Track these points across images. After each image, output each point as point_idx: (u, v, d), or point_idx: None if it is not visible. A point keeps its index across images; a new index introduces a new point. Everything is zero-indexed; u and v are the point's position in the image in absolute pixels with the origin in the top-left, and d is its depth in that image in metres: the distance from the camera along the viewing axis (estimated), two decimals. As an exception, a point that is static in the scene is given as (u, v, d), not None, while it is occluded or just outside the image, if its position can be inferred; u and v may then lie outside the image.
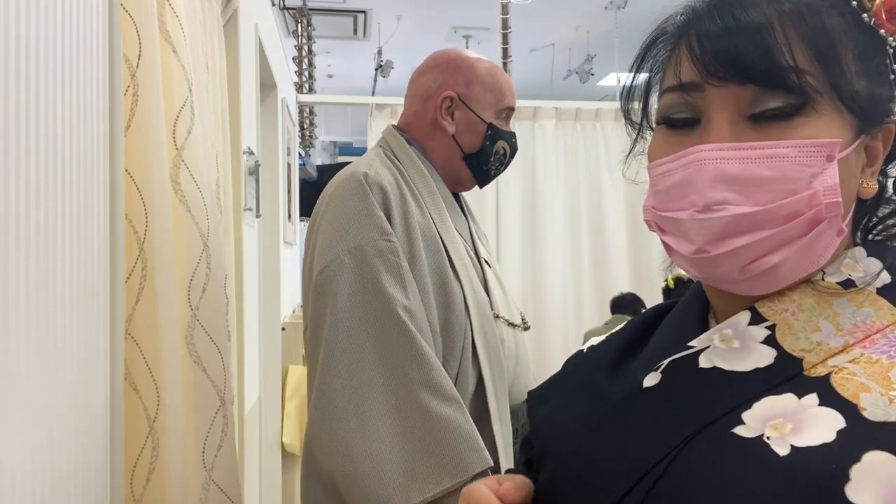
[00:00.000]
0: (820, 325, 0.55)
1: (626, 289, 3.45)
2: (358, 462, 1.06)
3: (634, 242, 3.54)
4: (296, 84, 4.06)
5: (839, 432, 0.48)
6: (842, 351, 0.54)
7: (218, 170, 1.29)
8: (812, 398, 0.51)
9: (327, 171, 4.73)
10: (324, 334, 1.12)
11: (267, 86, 2.71)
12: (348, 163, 1.38)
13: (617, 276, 3.52)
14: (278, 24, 4.19)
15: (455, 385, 1.16)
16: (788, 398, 0.52)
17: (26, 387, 0.65)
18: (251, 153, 2.07)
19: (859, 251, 0.59)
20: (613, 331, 0.75)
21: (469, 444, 1.07)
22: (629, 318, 0.78)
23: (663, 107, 0.61)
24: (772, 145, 0.53)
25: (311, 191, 4.25)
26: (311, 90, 4.28)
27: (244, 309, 1.91)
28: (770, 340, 0.56)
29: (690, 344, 0.59)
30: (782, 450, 0.49)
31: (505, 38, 3.53)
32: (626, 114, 0.69)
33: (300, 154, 4.02)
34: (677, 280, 2.85)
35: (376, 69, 5.95)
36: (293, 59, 4.09)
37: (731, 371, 0.55)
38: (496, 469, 1.15)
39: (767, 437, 0.50)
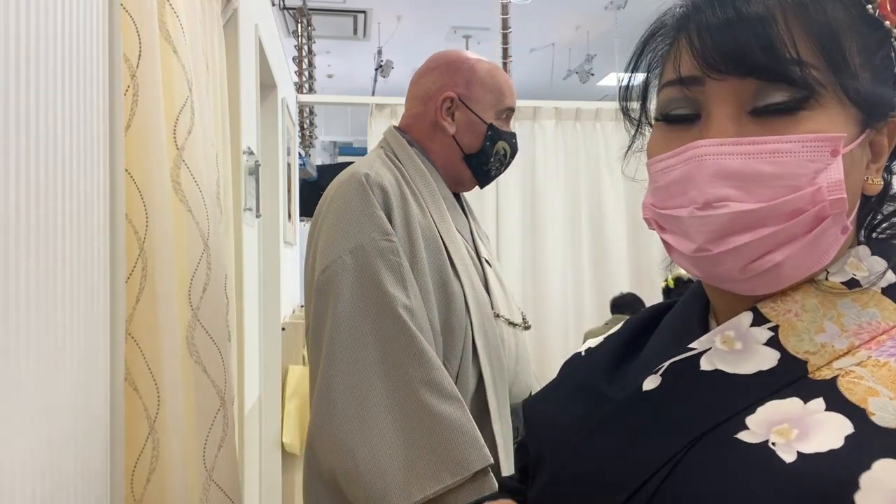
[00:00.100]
0: (824, 326, 0.53)
1: (626, 289, 3.45)
2: (359, 459, 1.06)
3: (634, 242, 3.54)
4: (296, 84, 4.06)
5: (847, 438, 0.46)
6: (847, 353, 0.52)
7: (218, 170, 1.29)
8: (818, 403, 0.49)
9: (327, 171, 4.73)
10: (325, 333, 1.13)
11: (267, 86, 2.71)
12: (348, 163, 1.39)
13: (617, 276, 3.51)
14: (278, 24, 4.19)
15: (455, 384, 1.17)
16: (794, 402, 0.50)
17: (26, 387, 0.65)
18: (251, 153, 2.07)
19: (863, 250, 0.58)
20: (611, 332, 0.74)
21: (469, 441, 1.08)
22: (629, 317, 0.78)
23: (662, 102, 0.59)
24: (774, 140, 0.52)
25: (311, 191, 4.25)
26: (311, 90, 4.28)
27: (244, 309, 1.91)
28: (773, 342, 0.54)
29: (691, 346, 0.58)
30: (788, 456, 0.47)
31: (505, 38, 3.53)
32: (625, 110, 0.67)
33: (300, 154, 4.02)
34: (677, 280, 2.85)
35: (376, 69, 5.95)
36: (293, 59, 4.09)
37: (734, 374, 0.54)
38: (496, 467, 1.15)
39: (773, 444, 0.48)
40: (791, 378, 0.52)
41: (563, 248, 3.51)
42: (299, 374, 2.98)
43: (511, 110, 1.36)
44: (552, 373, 0.75)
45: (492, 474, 1.10)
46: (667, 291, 3.00)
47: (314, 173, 4.39)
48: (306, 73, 4.26)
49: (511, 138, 1.35)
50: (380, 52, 5.93)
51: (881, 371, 0.50)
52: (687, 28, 0.57)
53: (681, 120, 0.58)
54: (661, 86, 0.60)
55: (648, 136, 0.63)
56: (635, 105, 0.66)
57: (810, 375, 0.52)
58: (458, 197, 1.39)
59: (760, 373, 0.53)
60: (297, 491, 2.96)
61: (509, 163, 1.38)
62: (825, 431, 0.47)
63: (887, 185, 0.59)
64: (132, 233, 0.97)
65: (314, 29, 4.50)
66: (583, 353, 0.74)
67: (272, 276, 2.74)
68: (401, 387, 1.10)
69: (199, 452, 1.08)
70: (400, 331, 1.11)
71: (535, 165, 3.52)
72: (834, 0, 0.54)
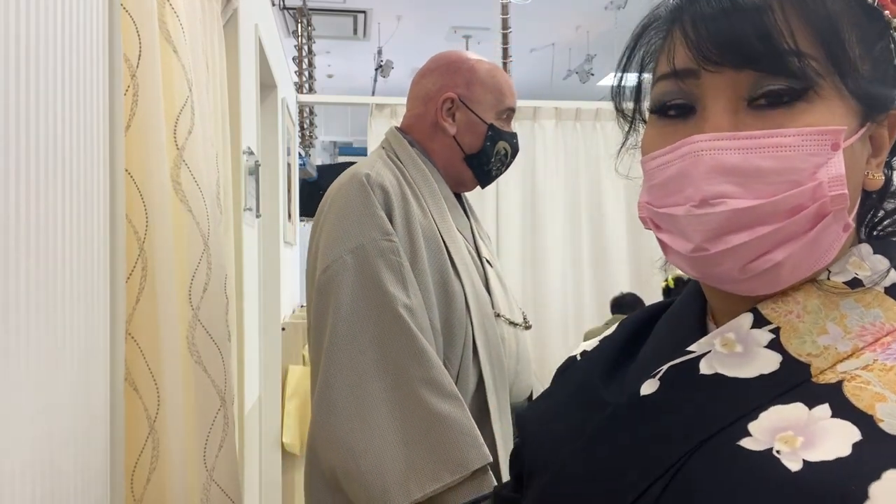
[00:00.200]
0: (827, 328, 0.52)
1: (626, 289, 3.45)
2: (359, 458, 1.07)
3: (634, 242, 3.54)
4: (296, 84, 4.06)
5: (855, 446, 0.44)
6: (851, 355, 0.50)
7: (218, 170, 1.29)
8: (824, 409, 0.47)
9: (327, 171, 4.73)
10: (326, 332, 1.14)
11: (267, 86, 2.71)
12: (348, 163, 1.39)
13: (617, 276, 3.51)
14: (278, 24, 4.19)
15: (456, 383, 1.17)
16: (798, 408, 0.48)
17: (26, 387, 0.65)
18: (251, 153, 2.07)
19: (865, 248, 0.56)
20: (605, 334, 0.72)
21: (469, 440, 1.08)
22: (624, 318, 0.76)
23: (656, 96, 0.57)
24: (773, 134, 0.50)
25: (311, 191, 4.25)
26: (311, 90, 4.28)
27: (244, 309, 1.91)
28: (774, 344, 0.52)
29: (690, 349, 0.56)
30: (794, 465, 0.45)
31: (505, 38, 3.53)
32: (618, 106, 0.65)
33: (300, 154, 4.02)
34: (677, 280, 2.85)
35: (376, 69, 5.95)
36: (293, 59, 4.09)
37: (735, 378, 0.52)
38: (495, 466, 1.16)
39: (777, 451, 0.46)
40: (794, 382, 0.50)
41: (563, 248, 3.51)
42: (299, 374, 2.98)
43: (511, 110, 1.36)
44: (552, 372, 0.75)
45: (491, 473, 1.11)
46: (667, 291, 3.00)
47: (314, 173, 4.39)
48: (306, 73, 4.26)
49: (512, 138, 1.36)
50: (380, 52, 5.93)
51: (888, 375, 0.48)
52: (681, 19, 0.55)
53: (676, 114, 0.56)
54: (656, 80, 0.58)
55: (642, 134, 0.61)
56: (630, 104, 0.65)
57: (813, 379, 0.50)
58: (459, 197, 1.40)
59: (762, 376, 0.51)
60: (297, 491, 2.96)
61: (510, 163, 1.38)
62: (832, 439, 0.45)
63: (888, 180, 0.57)
64: (132, 233, 0.97)
65: (314, 29, 4.50)
66: (578, 357, 0.72)
67: (272, 276, 2.74)
68: (401, 385, 1.10)
69: (200, 452, 1.08)
70: (400, 330, 1.12)
71: (535, 165, 3.51)
72: None
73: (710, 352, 0.55)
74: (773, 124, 0.51)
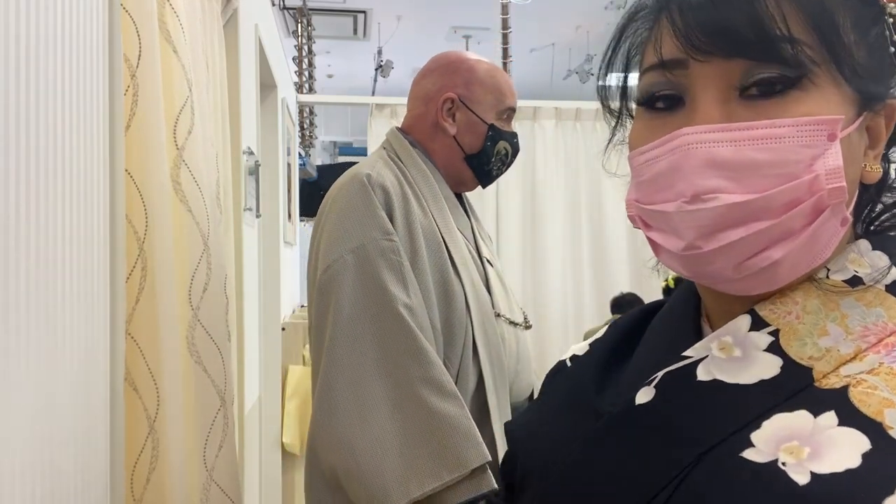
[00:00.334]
0: (827, 329, 0.49)
1: (626, 289, 3.45)
2: (359, 457, 1.08)
3: (634, 242, 3.54)
4: (296, 84, 4.05)
5: (865, 456, 0.42)
6: (854, 357, 0.48)
7: (218, 170, 1.29)
8: (830, 417, 0.45)
9: (327, 171, 4.73)
10: (327, 332, 1.15)
11: (267, 86, 2.71)
12: (348, 163, 1.40)
13: (617, 276, 3.51)
14: (278, 24, 4.19)
15: (456, 383, 1.18)
16: (802, 416, 0.46)
17: (26, 387, 0.65)
18: (251, 153, 2.07)
19: (864, 244, 0.53)
20: (596, 336, 0.69)
21: (468, 439, 1.09)
22: (615, 319, 0.72)
23: (643, 87, 0.55)
24: (766, 125, 0.48)
25: (311, 191, 4.25)
26: (311, 90, 4.28)
27: (244, 309, 1.91)
28: (774, 348, 0.50)
29: (686, 353, 0.53)
30: (801, 478, 0.42)
31: (505, 38, 3.53)
32: (604, 100, 0.62)
33: (300, 154, 4.02)
34: (678, 280, 2.84)
35: (376, 69, 5.95)
36: (293, 59, 4.09)
37: (734, 384, 0.49)
38: (495, 465, 1.16)
39: (783, 463, 0.44)
40: (796, 387, 0.48)
41: (563, 248, 3.51)
42: (299, 374, 2.98)
43: (512, 110, 1.36)
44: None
45: (490, 472, 1.11)
46: (667, 291, 3.00)
47: (314, 173, 4.39)
48: (306, 73, 4.25)
49: (512, 138, 1.36)
50: (380, 52, 5.93)
51: None
52: (668, 8, 0.52)
53: (664, 106, 0.54)
54: (642, 71, 0.56)
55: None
56: (617, 100, 0.62)
57: (816, 384, 0.47)
58: (459, 197, 1.40)
59: (762, 382, 0.49)
60: (297, 491, 2.96)
61: (511, 162, 1.38)
62: (840, 449, 0.43)
63: (885, 173, 0.55)
64: (132, 233, 0.97)
65: (314, 29, 4.50)
66: (568, 363, 0.70)
67: (272, 276, 2.74)
68: (401, 384, 1.11)
69: (200, 452, 1.08)
70: (400, 329, 1.12)
71: (535, 165, 3.51)
72: None
73: (707, 357, 0.52)
74: (766, 115, 0.49)
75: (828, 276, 0.52)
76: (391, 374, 1.11)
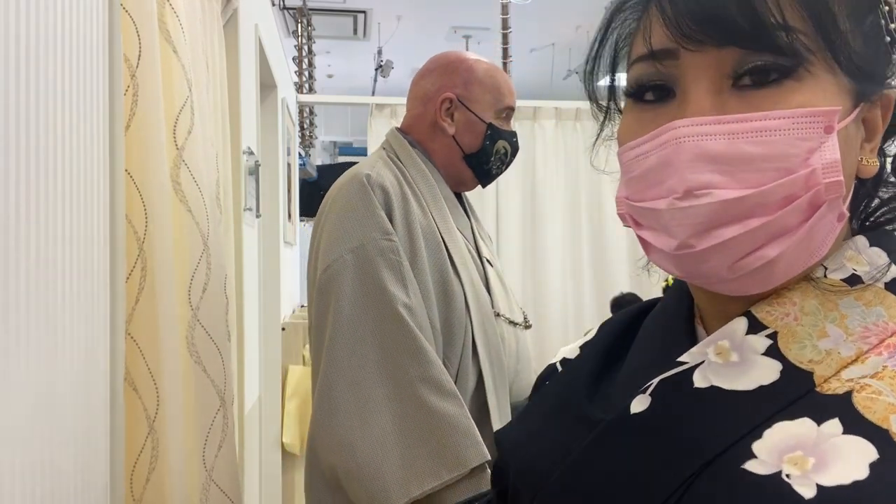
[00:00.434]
0: (827, 331, 0.48)
1: (626, 289, 3.45)
2: (358, 456, 1.08)
3: (634, 242, 3.50)
4: (296, 84, 4.06)
5: (872, 466, 0.40)
6: (856, 360, 0.46)
7: (218, 170, 1.29)
8: (834, 425, 0.43)
9: (327, 171, 4.73)
10: (327, 332, 1.15)
11: (267, 86, 2.71)
12: (349, 163, 1.40)
13: (617, 276, 3.51)
14: (278, 24, 4.19)
15: (455, 382, 1.18)
16: (805, 424, 0.44)
17: (26, 387, 0.65)
18: (251, 153, 2.07)
19: (861, 241, 0.52)
20: (587, 339, 0.67)
21: (467, 438, 1.09)
22: (605, 321, 0.70)
23: (632, 79, 0.53)
24: (761, 116, 0.46)
25: (311, 191, 4.25)
26: (311, 90, 4.28)
27: (244, 309, 1.91)
28: (773, 351, 0.48)
29: (681, 359, 0.51)
30: (807, 491, 0.40)
31: (505, 38, 3.53)
32: (591, 94, 0.60)
33: (300, 154, 4.02)
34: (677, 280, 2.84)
35: (376, 69, 5.95)
36: (293, 59, 4.09)
37: (732, 391, 0.47)
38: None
39: (787, 475, 0.42)
40: (797, 393, 0.46)
41: (563, 247, 3.51)
42: (299, 374, 2.98)
43: (511, 109, 1.37)
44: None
45: (489, 471, 1.11)
46: (666, 291, 3.00)
47: (314, 173, 4.39)
48: (306, 73, 4.26)
49: (511, 137, 1.36)
50: (380, 52, 5.93)
51: None
52: None
53: (654, 98, 0.51)
54: (631, 63, 0.54)
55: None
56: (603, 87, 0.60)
57: (818, 388, 0.46)
58: (459, 197, 1.40)
59: (762, 388, 0.47)
60: (298, 491, 2.96)
61: (510, 161, 1.38)
62: (846, 459, 0.41)
63: (882, 166, 0.53)
64: (132, 233, 0.97)
65: (314, 29, 4.50)
66: (558, 367, 0.68)
67: (272, 276, 2.74)
68: (400, 384, 1.11)
69: (199, 452, 1.08)
70: (400, 329, 1.12)
71: (535, 165, 3.52)
72: None
73: (703, 362, 0.50)
74: (760, 106, 0.47)
75: (825, 276, 0.50)
76: (391, 373, 1.11)
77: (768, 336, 0.49)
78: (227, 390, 1.14)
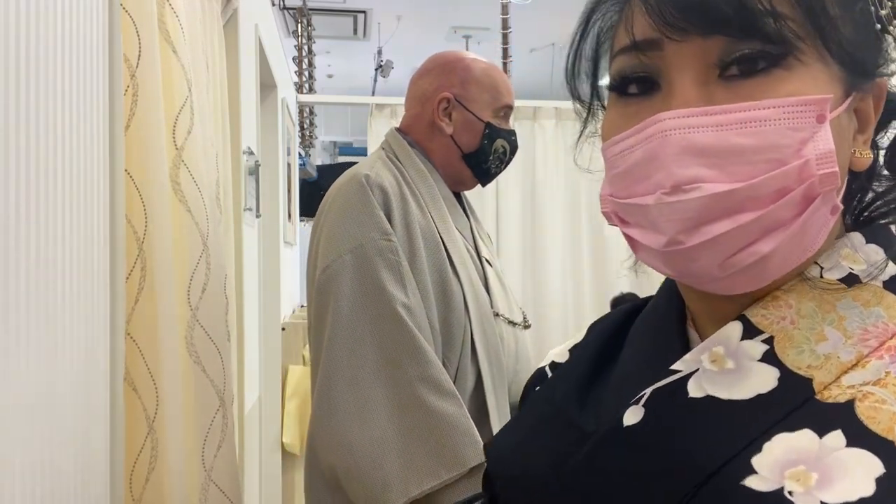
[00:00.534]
0: (825, 334, 0.45)
1: (626, 289, 3.45)
2: (358, 456, 1.08)
3: (634, 242, 3.54)
4: (296, 84, 4.06)
5: (879, 481, 0.38)
6: (856, 364, 0.44)
7: (218, 170, 1.29)
8: (836, 437, 0.41)
9: (327, 172, 4.74)
10: (326, 332, 1.15)
11: (267, 86, 2.71)
12: (348, 163, 1.41)
13: (617, 276, 3.51)
14: (278, 24, 4.19)
15: (454, 382, 1.18)
16: (806, 437, 0.42)
17: (26, 387, 0.65)
18: (251, 153, 2.07)
19: (856, 237, 0.50)
20: (576, 342, 0.65)
21: (466, 438, 1.09)
22: (594, 322, 0.67)
23: (615, 72, 0.51)
24: (750, 106, 0.44)
25: (311, 191, 4.25)
26: (311, 90, 4.28)
27: (244, 309, 1.91)
28: (769, 357, 0.46)
29: (675, 367, 0.49)
30: None
31: (505, 38, 3.54)
32: (573, 90, 0.58)
33: (300, 154, 4.02)
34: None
35: (376, 69, 5.95)
36: (293, 59, 4.09)
37: (729, 400, 0.45)
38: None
39: (789, 492, 0.40)
40: (796, 401, 0.43)
41: (563, 247, 3.51)
42: (299, 374, 2.98)
43: (509, 108, 1.37)
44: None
45: (489, 471, 1.11)
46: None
47: (314, 173, 4.39)
48: (306, 73, 4.26)
49: (510, 136, 1.36)
50: (380, 52, 5.93)
51: None
52: None
53: (638, 91, 0.50)
54: (614, 55, 0.52)
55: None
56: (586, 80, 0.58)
57: (818, 396, 0.43)
58: (459, 197, 1.40)
59: (759, 397, 0.44)
60: (297, 491, 2.96)
61: (510, 160, 1.39)
62: (851, 474, 0.39)
63: (875, 159, 0.51)
64: (131, 233, 0.97)
65: (314, 29, 4.50)
66: (548, 371, 0.66)
67: (272, 276, 2.74)
68: (399, 384, 1.11)
69: (198, 452, 1.08)
70: (398, 329, 1.13)
71: (535, 165, 3.52)
72: None
73: (698, 370, 0.48)
74: (749, 96, 0.45)
75: (821, 275, 0.48)
76: (390, 373, 1.12)
77: (764, 341, 0.47)
78: (227, 390, 1.14)
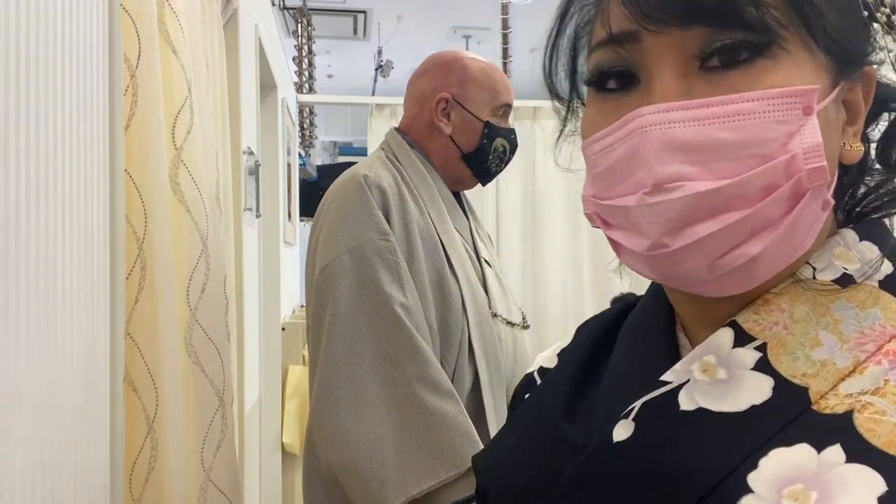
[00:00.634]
0: (820, 339, 0.43)
1: (626, 289, 3.44)
2: (356, 455, 1.08)
3: (634, 242, 3.54)
4: (296, 84, 4.06)
5: (882, 500, 0.36)
6: (853, 371, 0.42)
7: (218, 170, 1.29)
8: (836, 452, 0.39)
9: (327, 172, 4.74)
10: (324, 331, 1.16)
11: (267, 86, 2.71)
12: (348, 163, 1.41)
13: (617, 277, 3.51)
14: (278, 24, 4.19)
15: (452, 382, 1.18)
16: (804, 452, 0.40)
17: (26, 387, 0.65)
18: (251, 153, 2.08)
19: (849, 234, 0.48)
20: (564, 346, 0.63)
21: (464, 437, 1.10)
22: (582, 324, 0.66)
23: (593, 67, 0.49)
24: (732, 99, 0.42)
25: (311, 191, 4.25)
26: (311, 90, 4.28)
27: (244, 309, 1.91)
28: (763, 365, 0.44)
29: (665, 378, 0.46)
30: None
31: (505, 38, 3.54)
32: (552, 87, 0.56)
33: (300, 154, 4.03)
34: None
35: (376, 69, 5.95)
36: (293, 59, 4.09)
37: (722, 413, 0.43)
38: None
39: None
40: (792, 413, 0.41)
41: (563, 248, 3.51)
42: (299, 374, 2.98)
43: (508, 106, 1.37)
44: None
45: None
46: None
47: (314, 173, 4.39)
48: (306, 73, 4.26)
49: (509, 134, 1.36)
50: (380, 52, 5.93)
51: None
52: None
53: (617, 86, 0.47)
54: (591, 49, 0.49)
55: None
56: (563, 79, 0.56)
57: (814, 406, 0.41)
58: (458, 197, 1.41)
59: (754, 408, 0.42)
60: (298, 491, 2.96)
61: (510, 159, 1.39)
62: (851, 492, 0.37)
63: (866, 152, 0.49)
64: (131, 233, 0.97)
65: (314, 29, 4.50)
66: (537, 377, 0.64)
67: (272, 276, 2.75)
68: (397, 383, 1.12)
69: (198, 452, 1.08)
70: (396, 328, 1.13)
71: (535, 165, 3.52)
72: None
73: (689, 381, 0.45)
74: (731, 88, 0.43)
75: (814, 276, 0.46)
76: (388, 372, 1.12)
77: (757, 348, 0.45)
78: (226, 390, 1.15)
